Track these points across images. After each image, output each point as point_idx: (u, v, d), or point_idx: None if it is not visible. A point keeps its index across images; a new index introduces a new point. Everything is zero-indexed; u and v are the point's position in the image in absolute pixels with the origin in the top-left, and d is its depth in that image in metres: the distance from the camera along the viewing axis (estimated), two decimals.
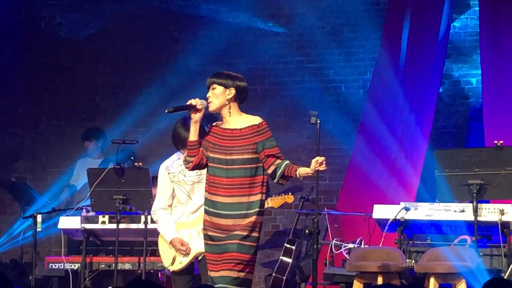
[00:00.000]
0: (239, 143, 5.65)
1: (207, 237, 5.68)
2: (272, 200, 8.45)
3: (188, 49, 10.19)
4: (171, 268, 6.48)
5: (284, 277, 8.65)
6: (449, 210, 7.33)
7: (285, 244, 8.80)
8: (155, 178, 7.00)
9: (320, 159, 5.55)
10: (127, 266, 7.72)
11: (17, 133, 10.62)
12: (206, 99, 5.71)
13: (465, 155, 7.36)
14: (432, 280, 6.99)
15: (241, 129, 5.68)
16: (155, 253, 7.25)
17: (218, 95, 5.68)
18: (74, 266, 7.82)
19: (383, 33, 9.50)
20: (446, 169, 7.31)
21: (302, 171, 5.61)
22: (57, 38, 10.61)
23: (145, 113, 9.99)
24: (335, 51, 9.91)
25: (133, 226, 7.67)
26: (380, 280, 7.04)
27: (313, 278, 6.01)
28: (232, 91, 5.68)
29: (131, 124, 10.04)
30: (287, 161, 5.67)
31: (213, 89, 5.70)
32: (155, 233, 6.81)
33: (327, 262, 8.04)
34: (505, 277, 6.83)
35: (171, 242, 6.43)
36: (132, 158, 8.79)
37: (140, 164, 7.47)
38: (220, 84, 5.69)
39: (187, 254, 6.40)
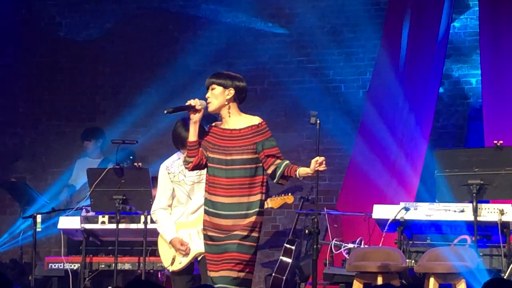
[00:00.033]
0: (239, 143, 5.65)
1: (207, 237, 5.68)
2: (271, 200, 8.45)
3: (188, 49, 10.19)
4: (171, 268, 6.48)
5: (284, 277, 8.65)
6: (449, 210, 7.33)
7: (285, 244, 8.80)
8: (154, 179, 7.00)
9: (320, 159, 5.55)
10: (127, 266, 7.72)
11: (17, 133, 10.63)
12: (206, 99, 5.71)
13: (465, 155, 7.36)
14: (432, 280, 6.99)
15: (240, 129, 5.67)
16: (155, 253, 7.25)
17: (217, 96, 5.68)
18: (74, 266, 7.82)
19: (383, 33, 9.50)
20: (446, 169, 7.31)
21: (302, 171, 5.61)
22: (57, 38, 10.61)
23: (145, 113, 9.99)
24: (335, 51, 9.91)
25: (133, 226, 7.68)
26: (380, 280, 7.04)
27: (313, 278, 6.01)
28: (231, 91, 5.68)
29: (131, 124, 10.04)
30: (287, 161, 5.67)
31: (212, 89, 5.70)
32: (155, 233, 6.81)
33: (327, 262, 8.04)
34: (505, 277, 6.82)
35: (171, 242, 6.43)
36: (131, 157, 8.80)
37: (140, 164, 7.47)
38: (219, 84, 5.69)
39: (186, 254, 6.40)
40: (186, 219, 6.48)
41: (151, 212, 6.65)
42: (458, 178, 7.24)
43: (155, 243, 6.87)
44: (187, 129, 5.92)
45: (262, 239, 7.62)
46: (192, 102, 5.67)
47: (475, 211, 7.07)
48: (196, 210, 6.43)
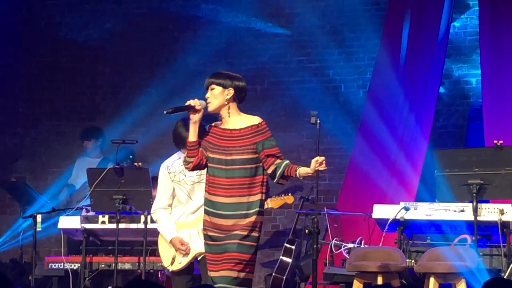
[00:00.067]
0: (239, 143, 5.65)
1: (207, 237, 5.68)
2: (271, 201, 8.46)
3: (188, 49, 10.19)
4: (171, 268, 6.48)
5: (284, 277, 8.65)
6: (449, 210, 7.33)
7: (285, 244, 8.80)
8: (154, 179, 7.00)
9: (320, 159, 5.55)
10: (127, 266, 7.72)
11: (17, 133, 10.63)
12: (205, 99, 5.71)
13: (465, 155, 7.36)
14: (432, 280, 6.99)
15: (240, 129, 5.67)
16: (155, 253, 7.25)
17: (217, 96, 5.68)
18: (74, 266, 7.82)
19: (383, 33, 9.50)
20: (446, 169, 7.31)
21: (302, 171, 5.60)
22: (57, 38, 10.61)
23: (145, 113, 9.99)
24: (335, 51, 9.91)
25: (133, 226, 7.68)
26: (380, 280, 7.04)
27: (313, 278, 6.00)
28: (230, 91, 5.68)
29: (131, 124, 10.04)
30: (287, 161, 5.67)
31: (211, 89, 5.69)
32: (155, 233, 6.81)
33: (327, 262, 8.04)
34: (505, 277, 6.82)
35: (171, 242, 6.43)
36: (130, 156, 8.80)
37: (140, 164, 7.47)
38: (218, 84, 5.68)
39: (186, 254, 6.40)
40: (186, 219, 6.47)
41: (151, 212, 6.65)
42: (458, 178, 7.24)
43: (155, 243, 6.87)
44: (187, 128, 5.90)
45: (262, 239, 7.61)
46: (191, 102, 5.67)
47: (475, 211, 7.07)
48: (196, 210, 6.43)
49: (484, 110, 8.94)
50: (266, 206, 7.66)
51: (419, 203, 7.53)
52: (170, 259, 6.45)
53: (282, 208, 8.83)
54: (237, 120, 5.70)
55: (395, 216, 7.36)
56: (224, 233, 5.60)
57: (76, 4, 10.63)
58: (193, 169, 5.77)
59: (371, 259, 7.21)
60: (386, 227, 7.46)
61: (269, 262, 9.51)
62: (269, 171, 5.65)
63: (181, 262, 6.43)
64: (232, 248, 5.57)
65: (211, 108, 5.69)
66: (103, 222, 7.72)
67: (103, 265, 7.74)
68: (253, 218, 5.59)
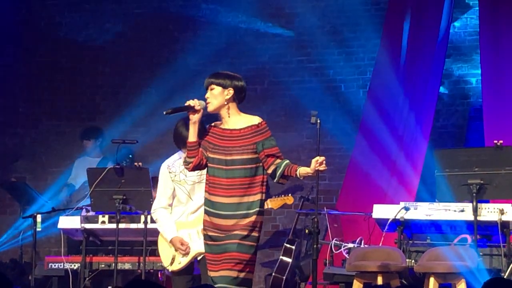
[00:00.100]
0: (239, 143, 5.64)
1: (207, 237, 5.67)
2: (271, 201, 8.46)
3: (188, 49, 10.19)
4: (170, 268, 6.48)
5: (284, 277, 8.65)
6: (449, 209, 7.33)
7: (285, 244, 8.80)
8: (154, 179, 7.00)
9: (320, 159, 5.55)
10: (127, 266, 7.72)
11: (17, 133, 10.63)
12: (205, 99, 5.70)
13: (465, 155, 7.35)
14: (432, 279, 6.99)
15: (240, 129, 5.67)
16: (154, 253, 7.25)
17: (217, 96, 5.67)
18: (74, 266, 7.82)
19: (383, 33, 9.50)
20: (446, 169, 7.31)
21: (302, 170, 5.60)
22: (57, 38, 10.61)
23: (145, 113, 9.99)
24: (335, 51, 9.91)
25: (133, 226, 7.68)
26: (380, 280, 7.04)
27: (313, 278, 6.00)
28: (230, 91, 5.67)
29: (131, 124, 10.04)
30: (287, 161, 5.67)
31: (211, 89, 5.69)
32: (155, 232, 6.81)
33: (327, 262, 8.04)
34: (505, 277, 6.82)
35: (171, 241, 6.43)
36: (130, 156, 8.80)
37: (140, 164, 7.46)
38: (218, 84, 5.68)
39: (186, 254, 6.40)
40: (186, 218, 6.47)
41: (152, 211, 6.65)
42: (458, 178, 7.24)
43: (155, 243, 6.87)
44: (188, 128, 5.91)
45: (262, 239, 7.61)
46: (191, 102, 5.66)
47: (475, 210, 7.07)
48: (196, 210, 6.43)
49: (484, 110, 8.93)
50: (266, 207, 7.66)
51: (419, 203, 7.53)
52: (170, 259, 6.45)
53: (282, 208, 8.83)
54: (237, 120, 5.69)
55: (395, 216, 7.36)
56: (224, 233, 5.60)
57: (76, 4, 10.63)
58: (193, 169, 5.77)
59: (371, 259, 7.21)
60: (386, 227, 7.46)
61: (269, 262, 9.51)
62: (269, 171, 5.64)
63: (181, 262, 6.43)
64: (232, 248, 5.57)
65: (210, 108, 5.69)
66: (103, 222, 7.72)
67: (103, 265, 7.74)
68: (253, 218, 5.59)
